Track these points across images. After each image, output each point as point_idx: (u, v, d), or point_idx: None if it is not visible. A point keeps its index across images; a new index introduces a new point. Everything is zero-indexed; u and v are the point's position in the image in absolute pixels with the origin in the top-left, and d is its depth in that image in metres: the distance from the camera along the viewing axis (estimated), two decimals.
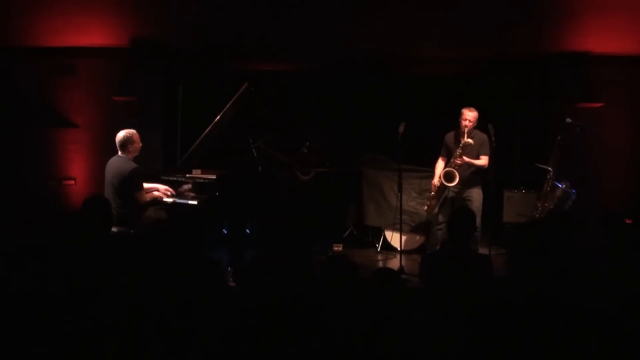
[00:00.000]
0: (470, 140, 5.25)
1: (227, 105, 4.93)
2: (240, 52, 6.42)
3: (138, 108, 6.23)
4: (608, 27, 5.19)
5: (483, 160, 5.35)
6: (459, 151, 5.28)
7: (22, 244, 3.54)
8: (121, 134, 4.77)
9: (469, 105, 5.34)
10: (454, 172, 5.30)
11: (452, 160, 5.34)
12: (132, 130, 4.81)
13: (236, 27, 5.40)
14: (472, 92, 6.76)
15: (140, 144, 4.85)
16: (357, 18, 5.06)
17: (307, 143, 5.78)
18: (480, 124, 5.34)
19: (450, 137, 5.48)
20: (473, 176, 5.40)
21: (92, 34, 5.66)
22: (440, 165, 5.52)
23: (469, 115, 5.26)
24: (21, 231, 5.37)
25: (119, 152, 4.77)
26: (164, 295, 2.54)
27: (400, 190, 5.34)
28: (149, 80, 6.29)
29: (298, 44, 5.99)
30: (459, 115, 5.32)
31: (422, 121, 5.60)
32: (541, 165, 5.53)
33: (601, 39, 5.57)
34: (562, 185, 5.42)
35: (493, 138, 5.12)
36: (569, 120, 5.46)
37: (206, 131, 4.97)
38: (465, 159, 5.26)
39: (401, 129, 5.11)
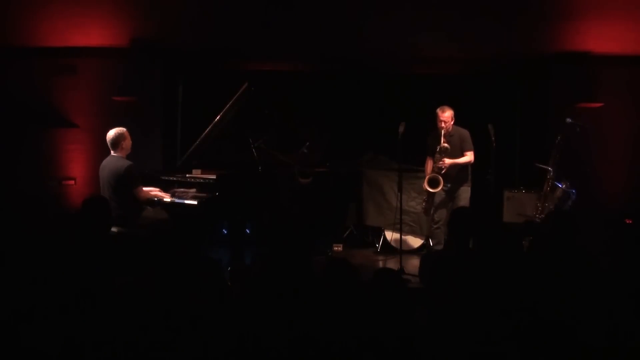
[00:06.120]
0: (446, 145, 5.27)
1: (227, 106, 4.92)
2: (240, 52, 6.41)
3: (138, 108, 6.23)
4: (608, 26, 5.19)
5: (468, 157, 5.37)
6: (437, 156, 5.31)
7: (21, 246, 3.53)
8: (112, 133, 4.70)
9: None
10: (438, 178, 5.32)
11: (434, 165, 5.35)
12: (122, 128, 4.76)
13: (236, 28, 5.40)
14: (472, 92, 6.78)
15: (131, 141, 4.79)
16: (358, 18, 5.06)
17: (307, 143, 5.77)
18: (480, 124, 5.34)
19: (431, 138, 5.48)
20: (461, 173, 5.41)
21: (92, 34, 5.66)
22: (429, 166, 5.53)
23: (444, 116, 5.29)
24: (21, 231, 5.36)
25: (112, 152, 4.72)
26: (164, 295, 2.54)
27: (400, 190, 5.34)
28: (149, 80, 6.30)
29: (298, 44, 5.99)
30: (434, 116, 5.34)
31: (422, 121, 5.59)
32: (541, 165, 5.53)
33: (601, 38, 5.57)
34: (562, 185, 5.42)
35: (493, 138, 5.11)
36: (569, 120, 5.46)
37: (206, 131, 4.96)
38: (447, 161, 5.28)
39: (401, 129, 5.10)
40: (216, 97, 5.46)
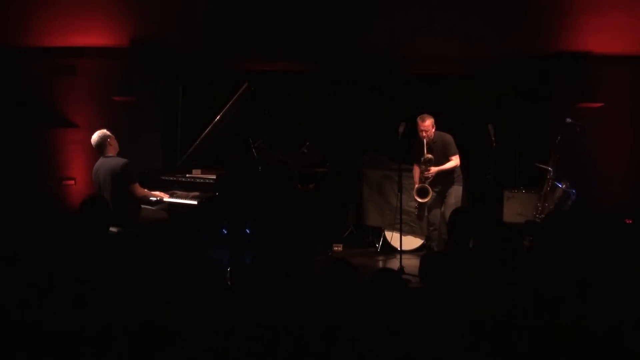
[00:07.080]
0: (429, 156, 5.36)
1: (227, 106, 4.92)
2: (240, 52, 6.41)
3: (138, 108, 6.23)
4: (608, 26, 5.19)
5: (453, 162, 5.43)
6: (422, 167, 5.38)
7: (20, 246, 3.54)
8: (95, 136, 4.65)
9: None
10: (426, 188, 5.41)
11: (421, 175, 5.43)
12: (102, 129, 4.71)
13: (236, 28, 5.40)
14: (472, 92, 6.78)
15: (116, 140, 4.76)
16: (358, 18, 5.06)
17: (307, 143, 5.77)
18: (480, 124, 5.34)
19: (416, 143, 5.51)
20: (448, 175, 5.48)
21: (92, 34, 5.66)
22: (416, 172, 5.57)
23: (424, 125, 5.35)
24: (21, 231, 5.36)
25: (102, 154, 4.67)
26: (164, 296, 2.54)
27: (400, 190, 5.35)
28: (149, 80, 6.30)
29: (298, 45, 5.99)
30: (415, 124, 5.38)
31: None
32: (541, 165, 5.53)
33: (601, 38, 5.57)
34: (562, 185, 5.42)
35: (493, 138, 5.12)
36: (569, 120, 5.46)
37: (206, 131, 4.96)
38: (433, 169, 5.37)
39: (401, 129, 5.11)
40: (216, 97, 5.46)
